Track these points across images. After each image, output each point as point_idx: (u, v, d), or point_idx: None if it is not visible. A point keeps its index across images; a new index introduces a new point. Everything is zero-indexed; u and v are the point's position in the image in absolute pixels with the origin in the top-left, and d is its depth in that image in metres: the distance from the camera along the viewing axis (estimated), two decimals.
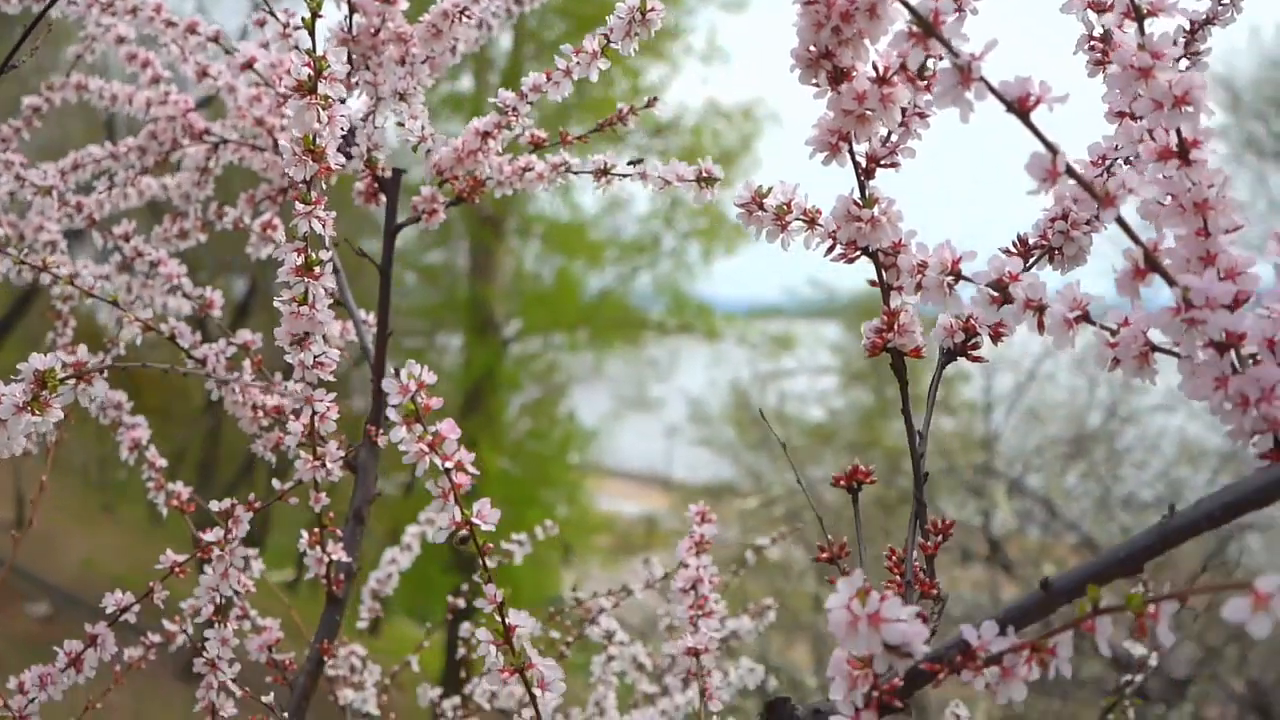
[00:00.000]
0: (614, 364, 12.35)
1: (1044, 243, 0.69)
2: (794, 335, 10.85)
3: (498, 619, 0.65)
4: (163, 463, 1.10)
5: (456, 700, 1.31)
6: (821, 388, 10.61)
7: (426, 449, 0.62)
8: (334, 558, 0.97)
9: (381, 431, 0.97)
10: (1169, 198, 0.55)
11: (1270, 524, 6.87)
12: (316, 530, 0.97)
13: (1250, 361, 0.52)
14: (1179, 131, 0.54)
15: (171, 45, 1.14)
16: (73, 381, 0.67)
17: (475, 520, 0.63)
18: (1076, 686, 6.17)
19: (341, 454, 0.91)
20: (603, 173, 0.96)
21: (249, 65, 1.05)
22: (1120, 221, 0.52)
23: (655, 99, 1.00)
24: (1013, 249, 0.69)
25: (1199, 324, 0.50)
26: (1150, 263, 0.52)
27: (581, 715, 1.29)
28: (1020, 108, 0.51)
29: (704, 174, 0.84)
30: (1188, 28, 0.74)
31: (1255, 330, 0.53)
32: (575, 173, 0.98)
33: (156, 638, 1.12)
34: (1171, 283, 0.51)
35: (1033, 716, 5.83)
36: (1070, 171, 0.51)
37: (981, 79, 0.50)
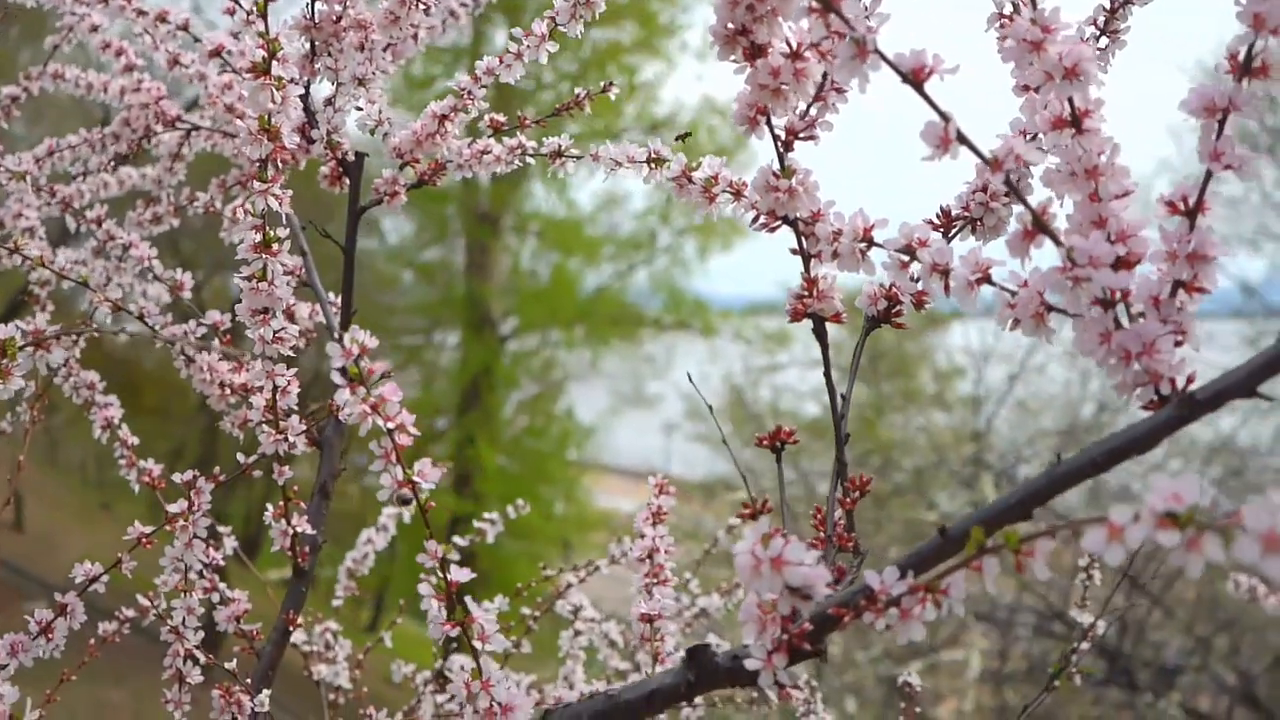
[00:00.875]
0: (611, 361, 12.39)
1: (965, 214, 0.71)
2: (789, 331, 10.89)
3: (439, 575, 0.68)
4: (134, 440, 1.13)
5: (427, 674, 1.34)
6: (816, 383, 10.64)
7: (369, 410, 0.65)
8: (298, 530, 1.00)
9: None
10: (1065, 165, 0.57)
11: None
12: (281, 504, 0.99)
13: (1140, 319, 0.55)
14: (1071, 101, 0.57)
15: (143, 34, 1.17)
16: (31, 349, 0.70)
17: (416, 479, 0.66)
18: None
19: (303, 428, 0.94)
20: (557, 155, 0.99)
21: (216, 53, 1.07)
22: (1010, 185, 0.55)
23: (611, 84, 1.03)
24: (935, 220, 0.72)
25: (1083, 282, 0.53)
26: (1038, 224, 0.54)
27: (551, 689, 1.32)
28: (915, 79, 0.53)
29: (653, 156, 0.87)
30: (1108, 6, 0.77)
31: (1143, 289, 0.56)
32: (532, 155, 1.01)
33: (130, 612, 1.15)
34: (1058, 243, 0.54)
35: (1017, 706, 5.86)
36: (961, 138, 0.53)
37: (877, 51, 0.53)
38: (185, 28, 1.14)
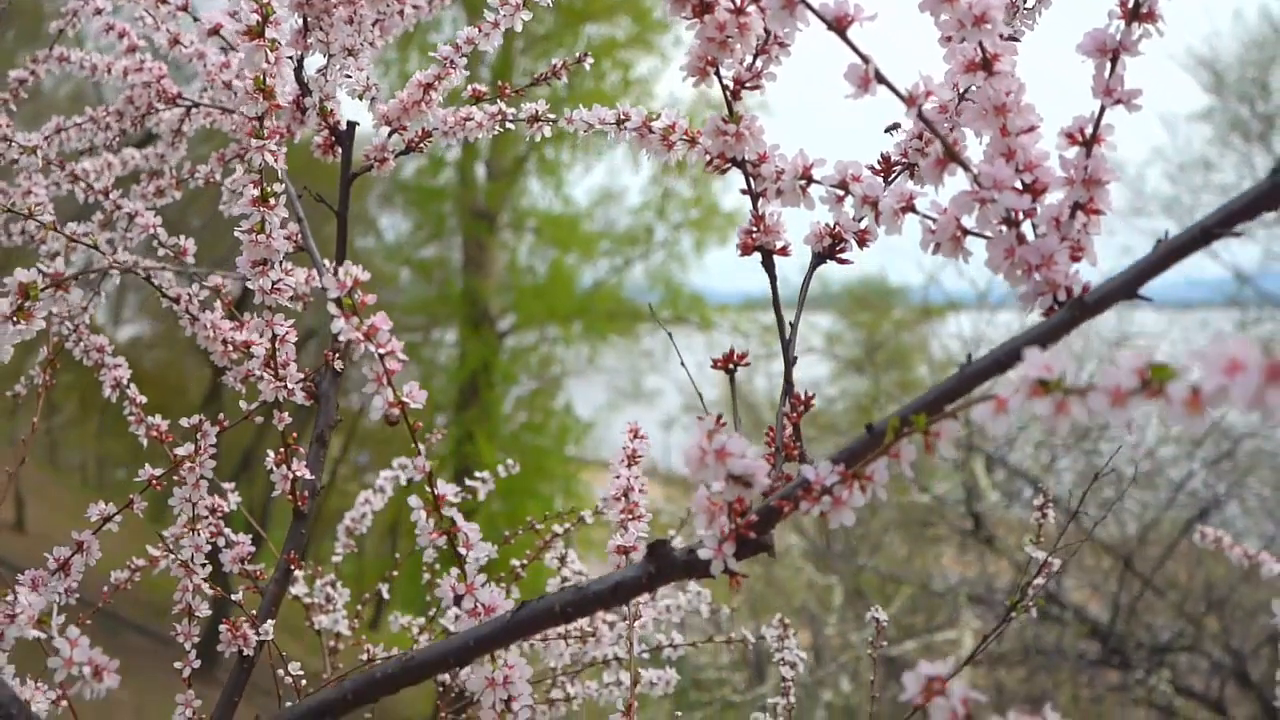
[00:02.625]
0: (608, 356, 12.46)
1: (904, 159, 0.78)
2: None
3: (427, 489, 0.75)
4: (143, 399, 1.20)
5: (422, 620, 1.41)
6: (813, 375, 10.71)
7: (362, 337, 0.72)
8: (298, 475, 1.07)
9: (338, 358, 1.07)
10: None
11: (1245, 493, 6.98)
12: (282, 450, 1.06)
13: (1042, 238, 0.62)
14: (981, 46, 0.63)
15: (144, 16, 1.24)
16: (51, 290, 0.76)
17: (406, 399, 0.73)
18: (1059, 658, 6.29)
19: (301, 375, 1.01)
20: (535, 119, 1.06)
21: (215, 31, 1.14)
22: (923, 118, 0.61)
23: (586, 55, 1.10)
24: (877, 165, 0.79)
25: (989, 203, 0.60)
26: (949, 153, 0.61)
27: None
28: (839, 26, 0.60)
29: (620, 118, 0.93)
30: None
31: (1046, 212, 0.63)
32: (512, 121, 1.08)
33: (141, 561, 1.22)
34: (968, 170, 0.61)
35: (1010, 686, 5.94)
36: (879, 78, 0.60)
37: (804, 3, 0.60)
38: (185, 8, 1.21)
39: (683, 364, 1.08)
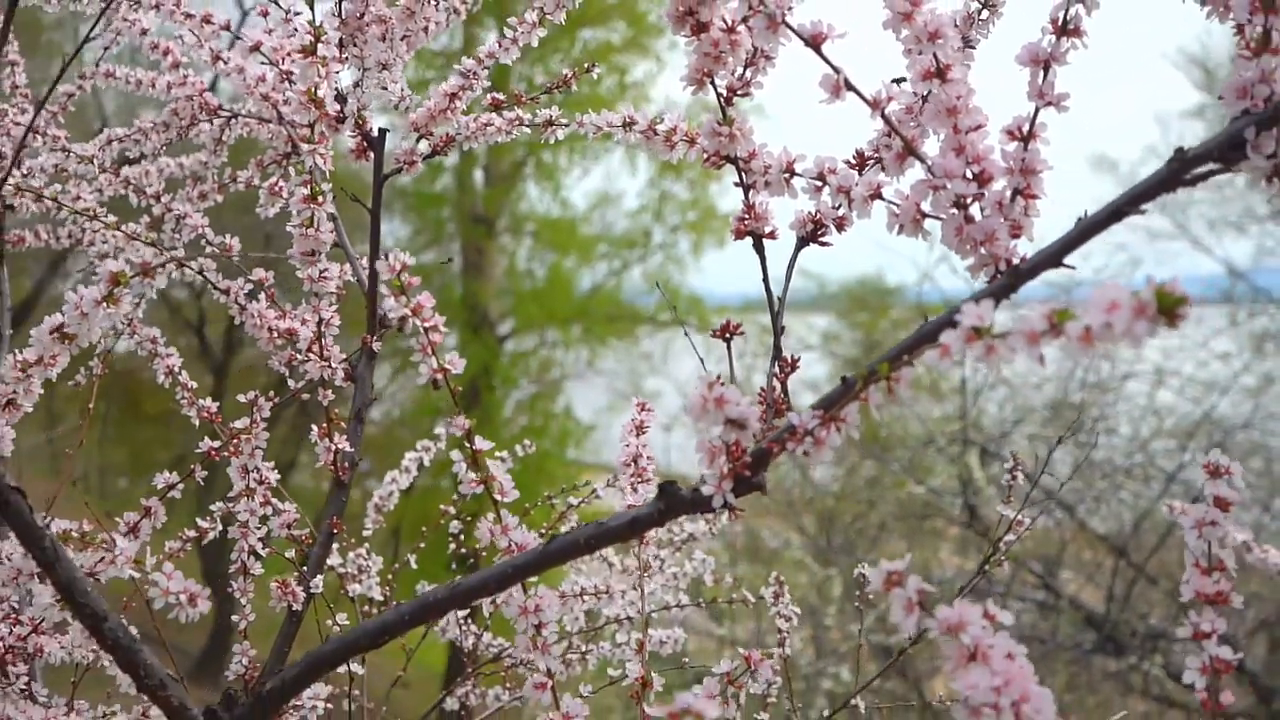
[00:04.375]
0: (608, 359, 12.56)
1: (875, 155, 0.90)
2: (785, 326, 11.08)
3: (467, 445, 0.87)
4: (193, 384, 1.32)
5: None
6: (814, 375, 10.82)
7: (410, 313, 0.83)
8: (340, 448, 1.19)
9: (377, 339, 1.19)
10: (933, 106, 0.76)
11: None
12: (325, 425, 1.18)
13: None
14: (936, 58, 0.75)
15: (188, 34, 1.36)
16: (139, 276, 0.88)
17: (448, 366, 0.85)
18: (1056, 649, 6.41)
19: (344, 356, 1.13)
20: (549, 123, 1.18)
21: (256, 48, 1.26)
22: (885, 119, 0.73)
23: (593, 64, 1.22)
24: (853, 160, 0.91)
25: (942, 190, 0.72)
26: (908, 149, 0.73)
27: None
28: (814, 42, 0.72)
29: (627, 120, 1.05)
30: None
31: (991, 197, 0.75)
32: (529, 126, 1.20)
33: (191, 533, 1.33)
34: (923, 162, 0.73)
35: None
36: (849, 85, 0.72)
37: (784, 22, 0.72)
38: (227, 27, 1.32)
39: (692, 343, 1.20)
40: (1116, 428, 7.56)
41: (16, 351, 0.93)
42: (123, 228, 1.26)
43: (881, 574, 0.62)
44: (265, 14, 1.32)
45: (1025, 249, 0.74)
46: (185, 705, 0.81)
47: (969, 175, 0.73)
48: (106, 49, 1.55)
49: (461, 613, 1.60)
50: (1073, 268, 0.69)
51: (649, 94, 11.72)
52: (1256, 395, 8.08)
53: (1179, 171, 0.66)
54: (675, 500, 0.79)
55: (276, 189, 1.38)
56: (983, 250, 0.72)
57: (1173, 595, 6.48)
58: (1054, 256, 0.69)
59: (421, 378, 0.85)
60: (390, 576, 1.57)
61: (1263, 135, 0.64)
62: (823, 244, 0.90)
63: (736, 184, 0.86)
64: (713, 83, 0.82)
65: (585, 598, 1.29)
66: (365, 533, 1.59)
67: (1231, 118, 0.66)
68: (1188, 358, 8.65)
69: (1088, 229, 0.68)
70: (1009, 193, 0.74)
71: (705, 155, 0.84)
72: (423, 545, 1.66)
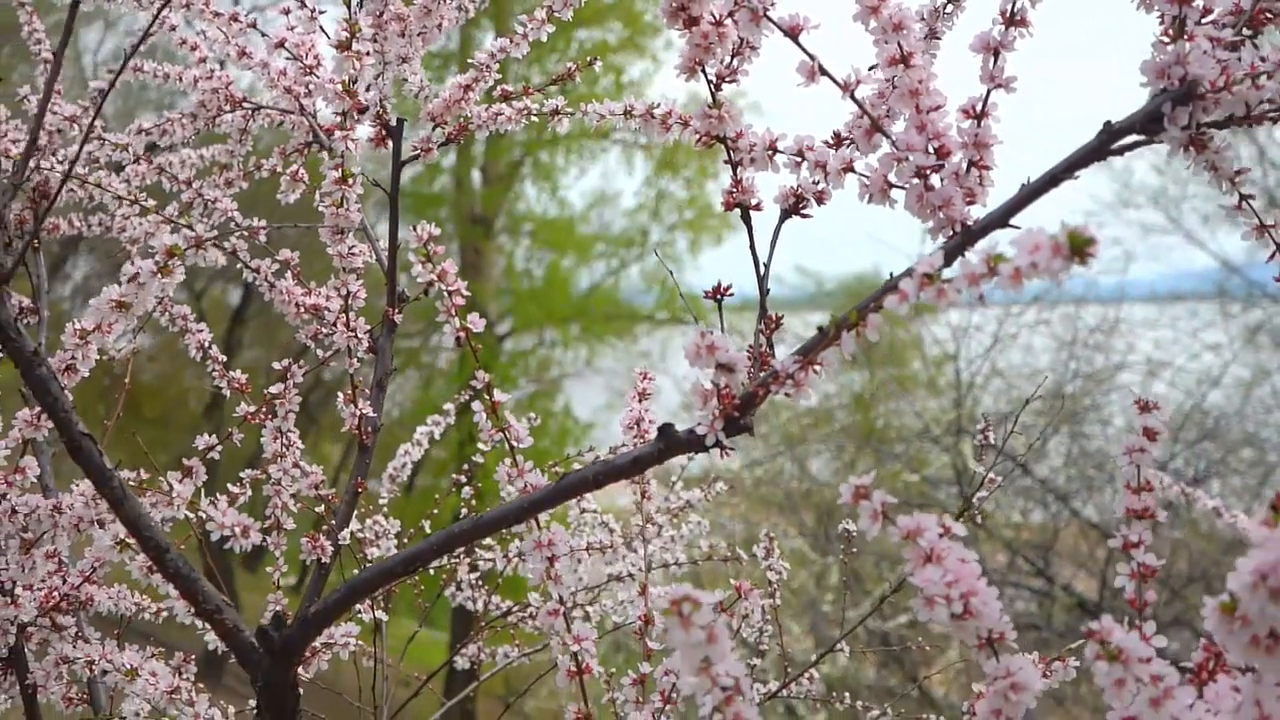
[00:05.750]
0: (606, 357, 12.66)
1: (850, 136, 1.00)
2: (784, 317, 11.20)
3: (487, 397, 0.97)
4: (224, 358, 1.42)
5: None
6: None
7: (436, 279, 0.93)
8: (364, 413, 1.29)
9: (397, 312, 1.28)
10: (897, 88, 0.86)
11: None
12: (350, 391, 1.28)
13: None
14: (900, 46, 0.85)
15: (216, 30, 1.46)
16: (193, 249, 0.98)
17: (470, 326, 0.95)
18: (1051, 635, 6.52)
19: (369, 327, 1.23)
20: (555, 113, 1.28)
21: (281, 44, 1.36)
22: (854, 100, 0.83)
23: (595, 59, 1.32)
24: (830, 139, 1.01)
25: (903, 161, 0.82)
26: (875, 126, 0.83)
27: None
28: (792, 33, 0.82)
29: (628, 109, 1.15)
30: None
31: (949, 168, 0.85)
32: (536, 115, 1.30)
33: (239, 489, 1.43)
34: (888, 138, 0.83)
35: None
36: (822, 70, 0.82)
37: (766, 15, 0.82)
38: (254, 25, 1.42)
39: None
40: (1110, 419, 7.67)
41: (76, 320, 1.03)
42: (160, 212, 1.36)
43: (850, 489, 0.72)
44: (287, 11, 1.42)
45: (978, 213, 0.84)
46: (239, 627, 0.91)
47: (930, 149, 0.83)
48: (136, 46, 1.65)
49: (472, 575, 1.70)
50: (1018, 227, 0.79)
51: (645, 93, 11.81)
52: (1249, 387, 8.20)
53: (1107, 142, 0.77)
54: (673, 440, 0.89)
55: (298, 176, 1.48)
56: (941, 215, 0.82)
57: (1164, 583, 6.60)
58: (1001, 219, 0.79)
59: (447, 338, 0.95)
60: (405, 541, 1.68)
61: (1178, 110, 0.75)
62: (804, 215, 1.00)
63: (726, 161, 0.96)
64: (704, 71, 0.92)
65: (590, 552, 1.39)
66: (381, 501, 1.69)
67: (1152, 95, 0.76)
68: (1181, 350, 8.77)
69: (1029, 194, 0.78)
70: (965, 164, 0.84)
71: (698, 135, 0.94)
72: (435, 512, 1.76)
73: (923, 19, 0.95)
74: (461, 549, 1.70)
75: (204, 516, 0.92)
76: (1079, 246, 0.59)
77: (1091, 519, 7.13)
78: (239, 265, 1.38)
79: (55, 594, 1.18)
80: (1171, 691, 0.63)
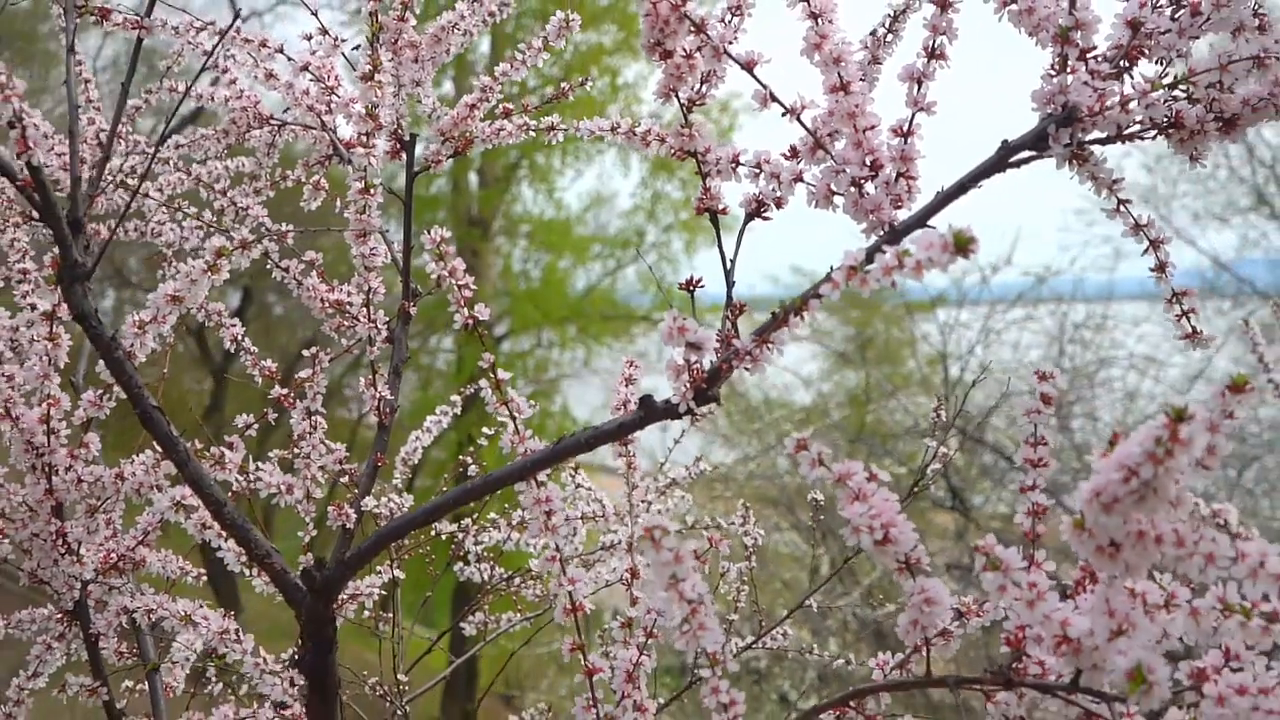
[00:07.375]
0: (603, 358, 12.81)
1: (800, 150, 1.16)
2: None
3: (492, 375, 1.13)
4: (255, 349, 1.58)
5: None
6: (809, 372, 11.08)
7: (447, 274, 1.10)
8: (383, 396, 1.45)
9: (412, 305, 1.45)
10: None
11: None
12: (370, 376, 1.44)
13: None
14: (840, 76, 1.02)
15: (246, 54, 1.62)
16: (240, 250, 1.14)
17: (477, 314, 1.11)
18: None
19: (386, 319, 1.39)
20: (551, 128, 1.44)
21: (305, 68, 1.52)
22: (800, 122, 1.00)
23: (587, 79, 1.49)
24: (787, 153, 1.17)
25: (841, 172, 0.99)
26: (818, 144, 1.00)
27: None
28: (748, 67, 0.99)
29: (614, 126, 1.32)
30: (892, 13, 1.22)
31: (881, 178, 1.01)
32: (535, 130, 1.46)
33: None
34: (828, 153, 1.00)
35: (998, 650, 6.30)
36: (773, 97, 0.99)
37: (726, 52, 0.98)
38: (281, 50, 1.59)
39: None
40: (1096, 413, 7.84)
41: (135, 312, 1.19)
42: (200, 218, 1.52)
43: (792, 441, 0.88)
44: (309, 38, 1.59)
45: (903, 216, 1.00)
46: (286, 570, 1.07)
47: (865, 162, 1.00)
48: (169, 67, 1.81)
49: (478, 546, 1.87)
50: (934, 228, 0.96)
51: (640, 95, 11.97)
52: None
53: (1004, 157, 0.93)
54: (652, 408, 1.05)
55: (320, 185, 1.64)
56: (873, 217, 0.99)
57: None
58: (920, 220, 0.96)
59: (456, 324, 1.11)
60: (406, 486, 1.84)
61: (1060, 130, 0.91)
62: (764, 218, 1.16)
63: (695, 172, 1.12)
64: (677, 95, 1.08)
65: (584, 520, 1.55)
66: (394, 482, 1.85)
67: (1040, 117, 0.92)
68: (1171, 348, 8.94)
69: (942, 200, 0.94)
70: (894, 175, 1.00)
71: (672, 150, 1.11)
72: (444, 489, 1.92)
73: (865, 47, 1.11)
74: (470, 521, 1.87)
75: (254, 477, 1.08)
76: (963, 244, 0.76)
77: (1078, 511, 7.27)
78: (243, 268, 1.55)
79: (113, 555, 1.34)
80: (1043, 594, 0.80)
